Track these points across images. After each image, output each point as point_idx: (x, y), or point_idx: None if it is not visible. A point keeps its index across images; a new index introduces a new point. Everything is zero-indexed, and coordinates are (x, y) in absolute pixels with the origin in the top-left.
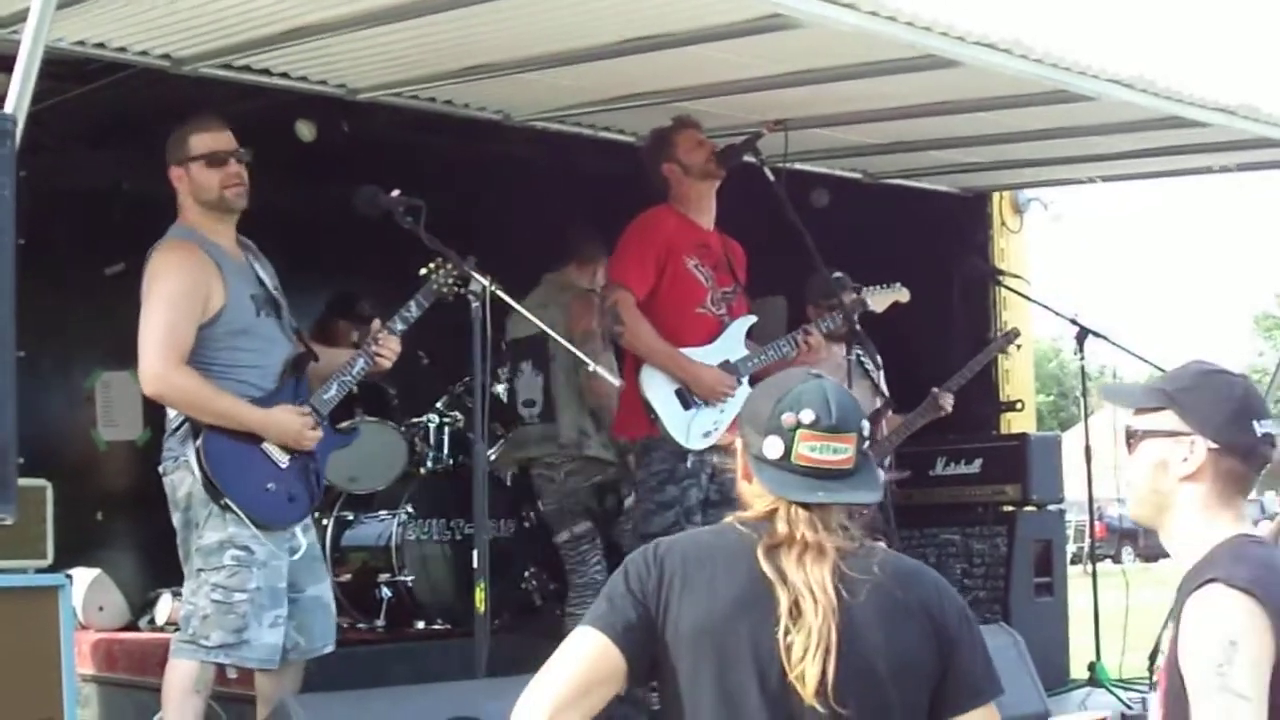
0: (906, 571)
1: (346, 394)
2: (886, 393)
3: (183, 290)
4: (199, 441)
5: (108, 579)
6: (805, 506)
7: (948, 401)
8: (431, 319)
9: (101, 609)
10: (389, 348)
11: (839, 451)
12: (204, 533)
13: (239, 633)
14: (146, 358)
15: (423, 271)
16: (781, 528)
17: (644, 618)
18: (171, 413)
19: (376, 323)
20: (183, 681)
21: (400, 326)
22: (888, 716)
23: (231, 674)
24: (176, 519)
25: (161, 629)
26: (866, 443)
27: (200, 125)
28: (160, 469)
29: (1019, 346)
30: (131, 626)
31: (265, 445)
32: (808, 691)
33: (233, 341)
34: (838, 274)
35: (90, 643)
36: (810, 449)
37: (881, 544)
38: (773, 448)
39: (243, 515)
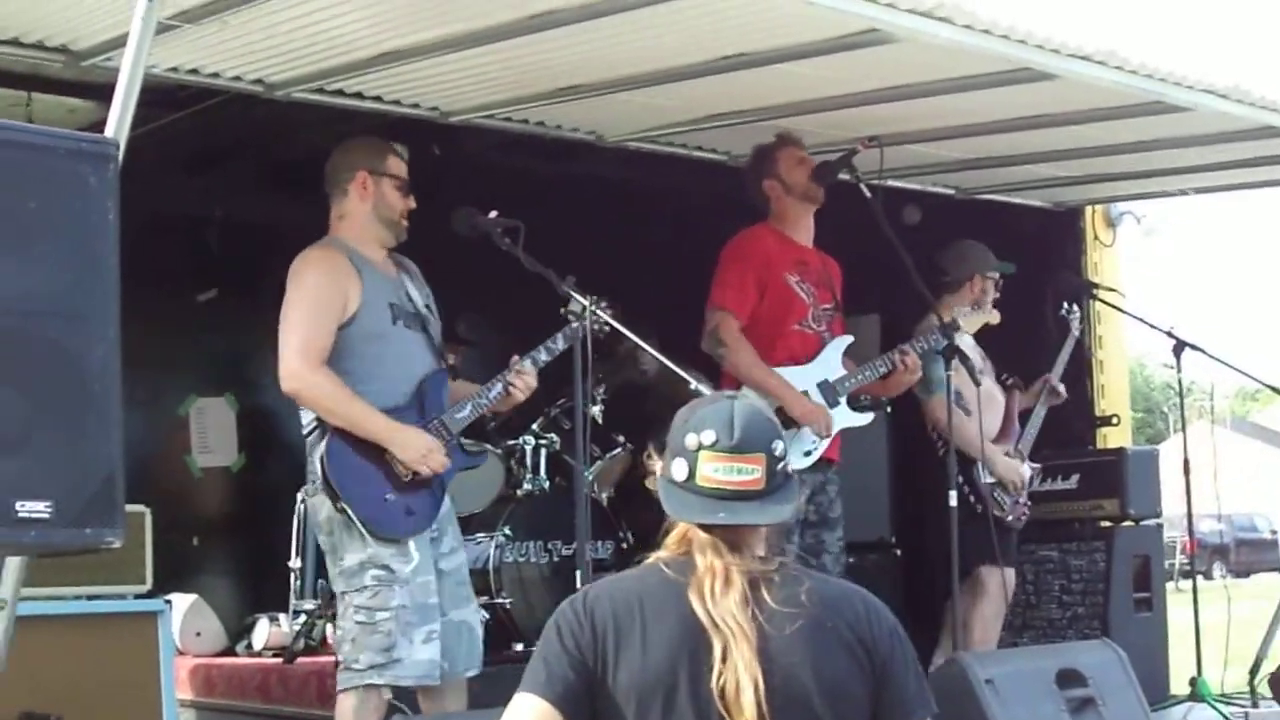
0: (834, 597)
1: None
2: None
3: (321, 291)
4: (324, 444)
5: (205, 604)
6: (707, 529)
7: (1061, 390)
8: (529, 341)
9: (199, 634)
10: (524, 380)
11: (744, 472)
12: (344, 555)
13: (387, 651)
14: (285, 356)
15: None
16: (698, 560)
17: (582, 676)
18: (305, 421)
19: (516, 357)
20: (347, 714)
21: (544, 357)
22: None
23: (386, 694)
24: (323, 543)
25: (259, 654)
26: (782, 463)
27: (397, 149)
28: (304, 493)
29: (1082, 332)
30: (229, 652)
31: (389, 455)
32: None
33: (366, 347)
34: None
35: (188, 668)
36: (714, 470)
37: (809, 571)
38: (679, 470)
39: (356, 520)
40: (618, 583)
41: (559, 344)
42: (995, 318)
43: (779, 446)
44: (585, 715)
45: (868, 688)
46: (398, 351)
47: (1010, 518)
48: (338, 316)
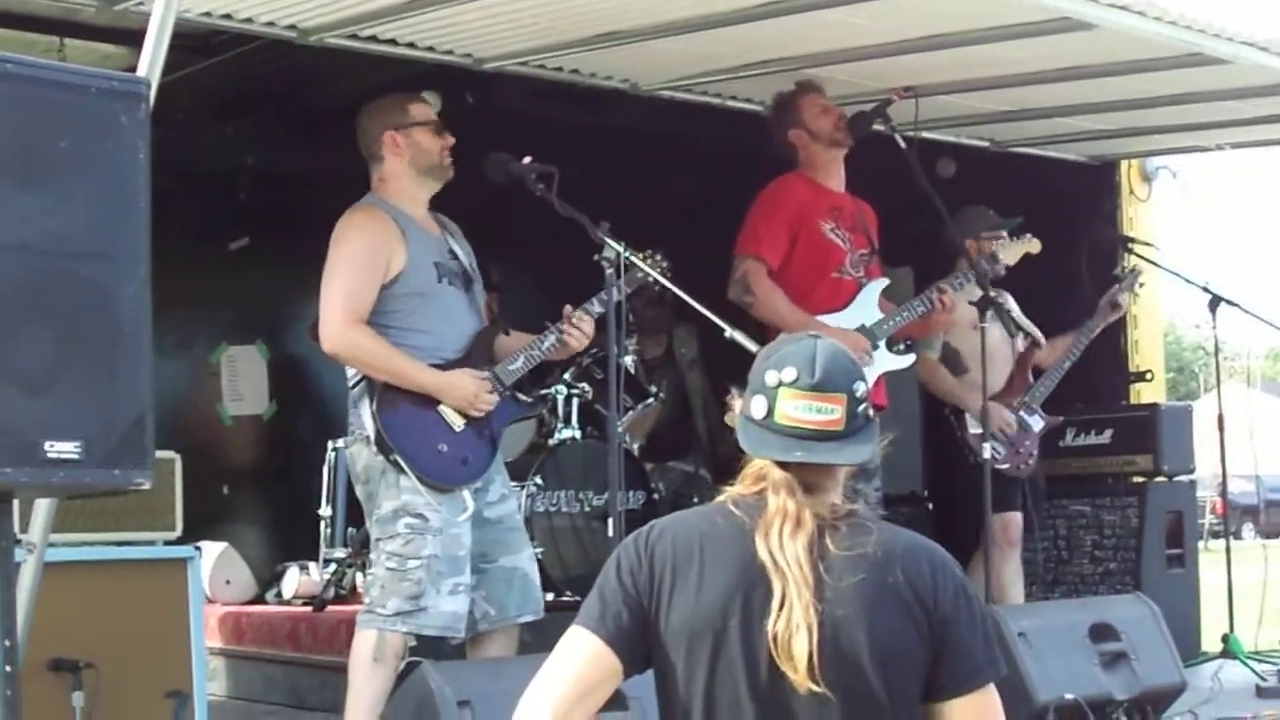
0: (901, 550)
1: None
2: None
3: (363, 251)
4: (374, 397)
5: (234, 553)
6: (784, 467)
7: (1123, 299)
8: (560, 288)
9: (229, 582)
10: (581, 329)
11: (824, 412)
12: (380, 502)
13: (415, 600)
14: (327, 317)
15: (633, 259)
16: (771, 501)
17: (636, 614)
18: (350, 373)
19: (569, 307)
20: (364, 652)
21: (598, 309)
22: (874, 704)
23: (411, 642)
24: (359, 492)
25: (289, 602)
26: (863, 405)
27: (413, 96)
28: (343, 443)
29: (1143, 284)
30: (258, 600)
31: (441, 407)
32: (799, 674)
33: (410, 305)
34: (989, 211)
35: (218, 616)
36: (793, 408)
37: (880, 523)
38: (758, 407)
39: (410, 472)
40: (683, 520)
41: (612, 296)
42: (1035, 246)
43: (860, 388)
44: (640, 656)
45: (924, 649)
46: (444, 309)
47: (1006, 466)
48: (380, 276)
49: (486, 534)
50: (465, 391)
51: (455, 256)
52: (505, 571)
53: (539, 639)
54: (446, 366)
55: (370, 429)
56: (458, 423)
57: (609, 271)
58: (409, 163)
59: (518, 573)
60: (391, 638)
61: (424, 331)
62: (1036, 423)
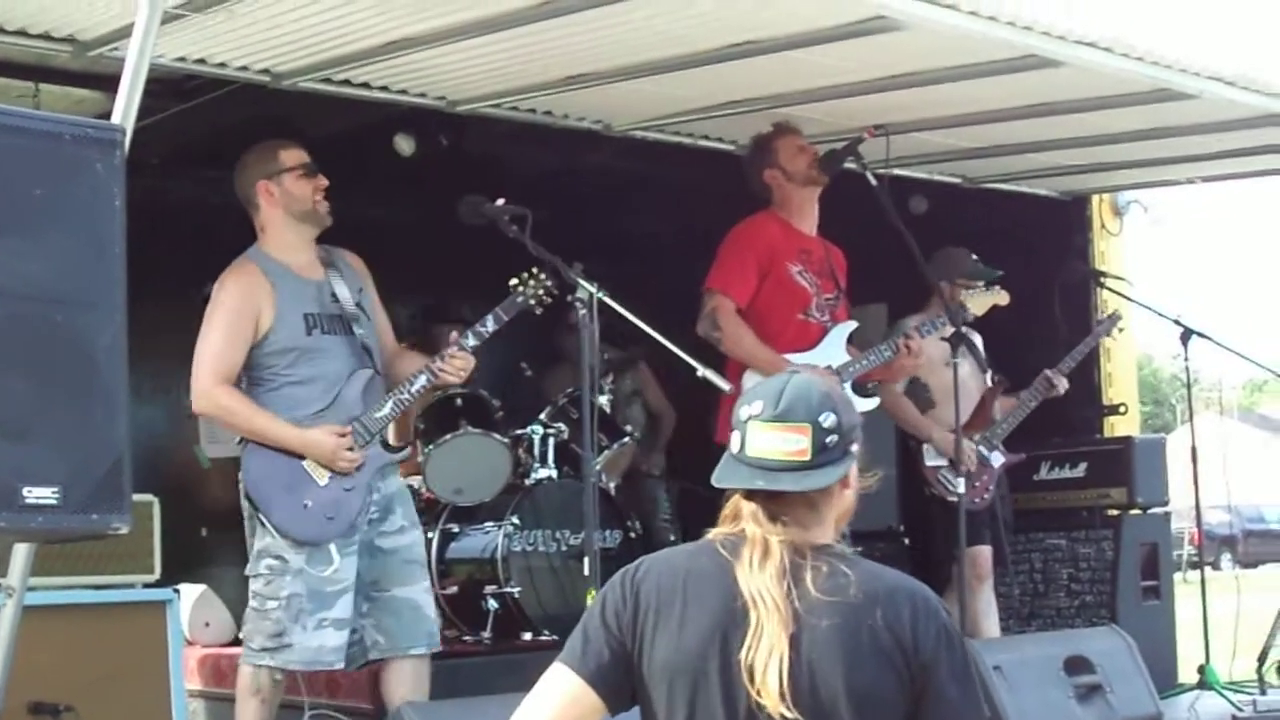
0: (883, 594)
1: (403, 410)
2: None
3: (231, 314)
4: (247, 452)
5: (213, 595)
6: (750, 497)
7: (1061, 383)
8: (533, 330)
9: (208, 625)
10: (456, 364)
11: (789, 442)
12: (253, 541)
13: (277, 637)
14: (196, 376)
15: (513, 282)
16: (746, 532)
17: (619, 653)
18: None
19: (454, 335)
20: (240, 687)
21: (473, 342)
22: None
23: (277, 676)
24: (247, 529)
25: None
26: (832, 437)
27: (285, 142)
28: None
29: (1121, 329)
30: (238, 642)
31: (306, 463)
32: (770, 698)
33: (280, 360)
34: (974, 256)
35: (197, 658)
36: (759, 440)
37: (862, 562)
38: (734, 442)
39: (274, 531)
40: (670, 558)
41: (489, 325)
42: (1004, 298)
43: (829, 419)
44: (624, 694)
45: (904, 693)
46: (315, 360)
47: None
48: (249, 337)
49: (379, 563)
50: (324, 449)
51: (335, 299)
52: (397, 602)
53: (520, 679)
54: (317, 416)
55: (243, 485)
56: (323, 477)
57: (582, 313)
58: (283, 210)
59: (409, 604)
60: (260, 671)
61: (298, 383)
62: (996, 458)
